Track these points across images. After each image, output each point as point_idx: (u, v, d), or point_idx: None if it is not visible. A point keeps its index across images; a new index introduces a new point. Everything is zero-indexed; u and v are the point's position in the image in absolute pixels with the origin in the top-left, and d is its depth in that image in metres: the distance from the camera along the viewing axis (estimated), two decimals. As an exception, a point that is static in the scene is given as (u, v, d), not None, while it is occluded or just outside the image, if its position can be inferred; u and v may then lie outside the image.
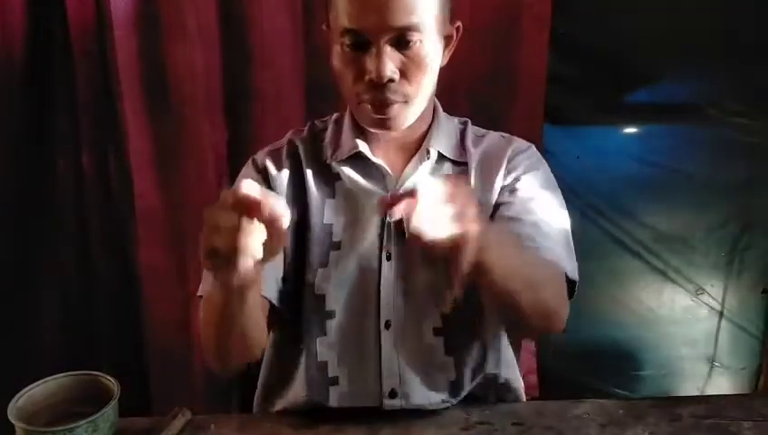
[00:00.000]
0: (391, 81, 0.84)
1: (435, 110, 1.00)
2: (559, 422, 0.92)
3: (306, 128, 1.04)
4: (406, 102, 0.87)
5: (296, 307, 0.98)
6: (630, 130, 1.58)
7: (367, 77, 0.84)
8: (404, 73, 0.85)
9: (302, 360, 0.98)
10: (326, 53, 0.93)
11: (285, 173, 0.98)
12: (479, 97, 1.35)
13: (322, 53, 1.39)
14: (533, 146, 1.02)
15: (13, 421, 0.80)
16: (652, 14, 1.42)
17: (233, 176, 1.45)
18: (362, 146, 0.95)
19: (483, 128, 1.05)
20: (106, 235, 1.48)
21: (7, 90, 1.34)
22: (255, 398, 1.07)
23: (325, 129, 1.03)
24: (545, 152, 1.45)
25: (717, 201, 1.61)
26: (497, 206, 0.96)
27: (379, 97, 0.86)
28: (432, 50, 0.86)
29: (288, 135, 1.04)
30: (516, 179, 0.97)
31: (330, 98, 1.40)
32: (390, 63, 0.83)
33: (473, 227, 0.64)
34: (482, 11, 1.31)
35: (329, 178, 0.97)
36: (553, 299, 0.86)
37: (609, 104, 1.53)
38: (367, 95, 0.87)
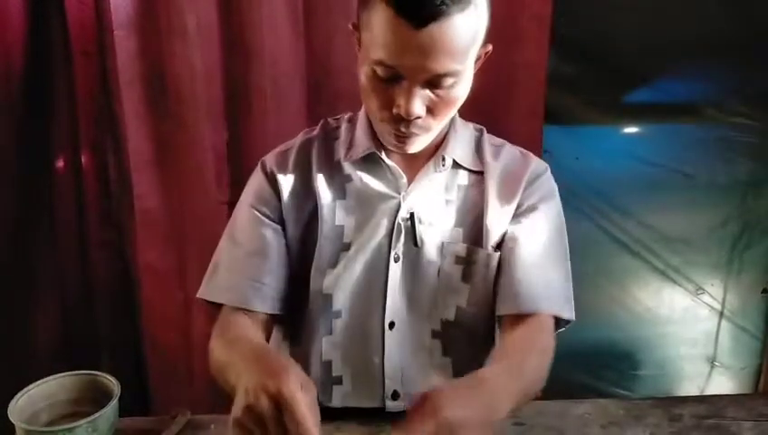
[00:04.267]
0: (418, 117, 0.82)
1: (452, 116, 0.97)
2: (559, 422, 0.92)
3: (319, 126, 1.03)
4: (427, 133, 0.87)
5: (300, 305, 0.98)
6: (630, 130, 1.58)
7: (394, 110, 0.82)
8: (431, 110, 0.83)
9: (306, 358, 0.98)
10: (326, 52, 0.93)
11: (292, 175, 0.98)
12: (479, 97, 1.35)
13: (322, 52, 1.39)
14: (549, 168, 1.00)
15: (13, 421, 0.80)
16: (652, 15, 1.42)
17: (233, 176, 1.45)
18: (377, 147, 0.94)
19: (481, 125, 1.05)
20: (105, 235, 1.48)
21: (7, 89, 1.34)
22: None
23: (338, 127, 1.02)
24: (544, 152, 1.45)
25: (717, 201, 1.61)
26: (506, 233, 0.95)
27: (403, 129, 0.84)
28: (464, 87, 0.84)
29: (300, 136, 1.03)
30: (531, 209, 0.96)
31: (329, 97, 1.40)
32: (420, 102, 0.81)
33: None
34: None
35: (340, 180, 0.97)
36: (538, 386, 0.88)
37: (609, 104, 1.53)
38: (390, 124, 0.85)
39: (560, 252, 0.98)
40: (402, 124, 0.83)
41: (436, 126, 0.86)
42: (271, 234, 0.96)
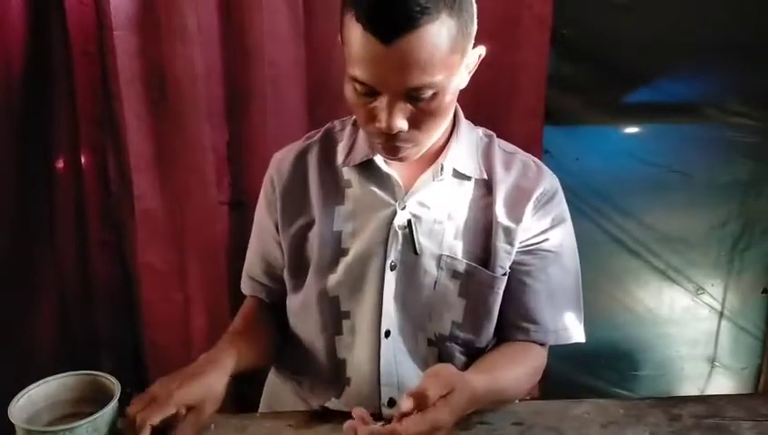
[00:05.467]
0: (401, 131, 0.81)
1: (455, 120, 0.96)
2: (559, 422, 0.92)
3: (322, 130, 1.03)
4: (416, 145, 0.85)
5: (303, 305, 0.99)
6: (630, 130, 1.58)
7: (377, 124, 0.80)
8: (415, 123, 0.81)
9: (315, 360, 0.99)
10: (326, 53, 0.93)
11: (289, 181, 0.99)
12: (479, 97, 1.35)
13: (322, 53, 1.39)
14: (560, 186, 0.99)
15: (13, 421, 0.80)
16: (652, 15, 1.42)
17: (233, 176, 1.45)
18: (375, 154, 0.93)
19: (479, 126, 1.04)
20: (105, 235, 1.48)
21: (7, 89, 1.34)
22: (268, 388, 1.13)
23: (342, 129, 1.01)
24: (544, 152, 1.45)
25: (717, 201, 1.61)
26: (516, 261, 0.95)
27: (389, 143, 0.84)
28: (448, 96, 0.81)
29: (302, 140, 1.03)
30: (543, 238, 0.96)
31: (329, 98, 1.40)
32: (400, 116, 0.79)
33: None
34: (482, 11, 1.31)
35: (339, 185, 0.96)
36: (524, 394, 0.99)
37: (609, 104, 1.53)
38: (378, 138, 0.84)
39: (572, 280, 0.99)
40: (387, 138, 0.82)
41: (425, 138, 0.85)
42: (273, 238, 1.01)
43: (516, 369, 0.93)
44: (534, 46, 1.37)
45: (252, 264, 1.07)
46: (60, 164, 1.44)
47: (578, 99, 1.50)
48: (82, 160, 1.43)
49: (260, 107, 1.40)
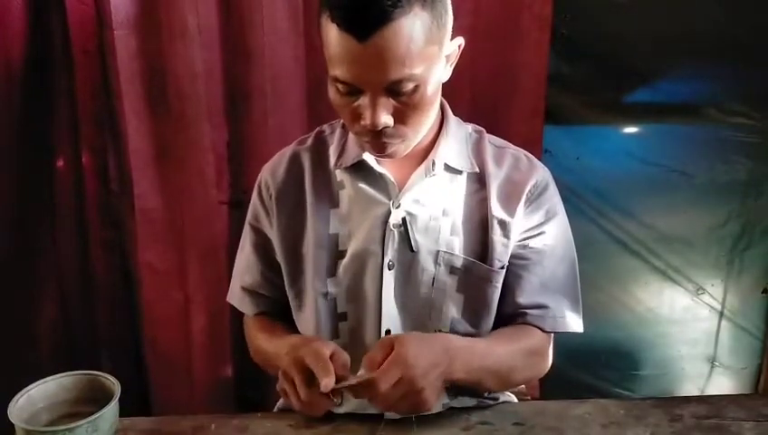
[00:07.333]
0: (386, 127, 0.82)
1: (444, 116, 0.97)
2: (559, 422, 0.92)
3: (313, 135, 1.04)
4: (403, 141, 0.86)
5: (301, 309, 0.99)
6: (630, 130, 1.58)
7: (362, 122, 0.82)
8: (399, 117, 0.82)
9: None
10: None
11: (284, 189, 0.99)
12: (479, 97, 1.35)
13: (322, 52, 1.39)
14: (551, 179, 1.00)
15: (13, 421, 0.80)
16: (652, 14, 1.42)
17: (233, 176, 1.45)
18: (366, 155, 0.94)
19: (481, 126, 1.04)
20: (105, 235, 1.48)
21: (7, 89, 1.34)
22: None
23: (332, 133, 1.02)
24: (544, 152, 1.45)
25: (717, 201, 1.61)
26: (513, 255, 0.96)
27: (376, 140, 0.85)
28: (430, 89, 0.82)
29: (292, 145, 1.04)
30: (538, 231, 0.97)
31: (329, 97, 1.40)
32: (384, 112, 0.80)
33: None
34: (482, 11, 1.31)
35: (333, 188, 0.97)
36: (525, 377, 1.01)
37: (609, 104, 1.53)
38: (365, 137, 0.86)
39: (567, 270, 1.00)
40: (374, 135, 0.83)
41: (411, 132, 0.86)
42: (263, 247, 1.02)
43: (510, 344, 0.93)
44: (534, 46, 1.37)
45: (251, 276, 1.05)
46: (60, 163, 1.43)
47: (578, 99, 1.49)
48: (82, 159, 1.43)
49: (260, 106, 1.40)
